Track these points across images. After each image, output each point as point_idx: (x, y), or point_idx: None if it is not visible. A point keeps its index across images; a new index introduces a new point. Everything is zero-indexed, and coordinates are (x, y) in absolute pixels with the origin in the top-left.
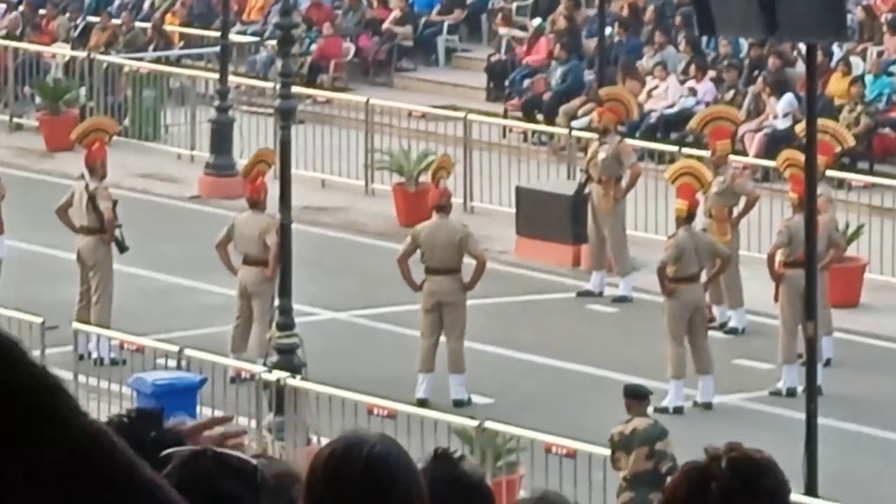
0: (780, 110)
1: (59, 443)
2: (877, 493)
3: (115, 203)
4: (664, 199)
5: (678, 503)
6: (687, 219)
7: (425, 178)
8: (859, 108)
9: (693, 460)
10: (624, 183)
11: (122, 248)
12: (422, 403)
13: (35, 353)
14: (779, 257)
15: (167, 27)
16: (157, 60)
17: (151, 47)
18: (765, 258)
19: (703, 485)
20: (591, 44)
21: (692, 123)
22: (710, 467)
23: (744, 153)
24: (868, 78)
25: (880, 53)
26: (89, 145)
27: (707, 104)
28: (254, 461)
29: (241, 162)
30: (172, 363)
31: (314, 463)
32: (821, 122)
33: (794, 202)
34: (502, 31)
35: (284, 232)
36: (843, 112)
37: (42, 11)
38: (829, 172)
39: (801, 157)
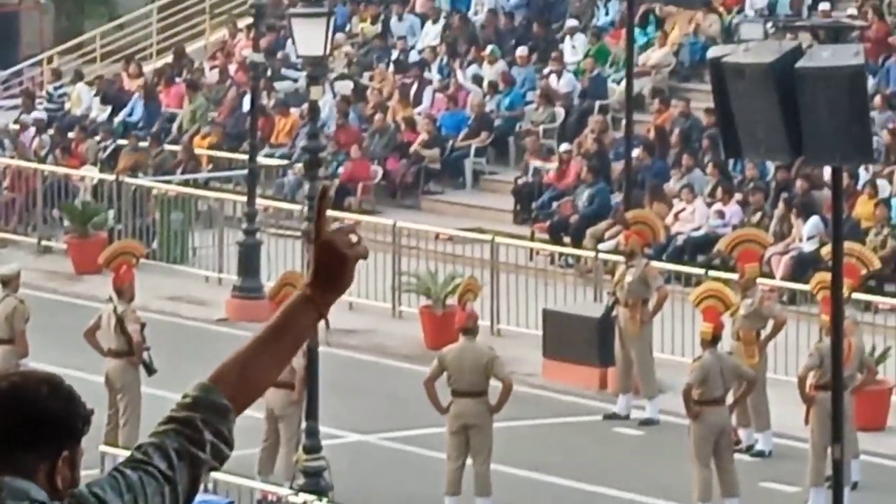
0: (807, 233)
1: None
2: None
3: (143, 326)
4: (692, 322)
5: None
6: (712, 341)
7: (452, 300)
8: (885, 230)
9: None
10: (651, 305)
11: (151, 371)
12: None
13: None
14: (810, 380)
15: (196, 150)
16: (186, 183)
17: (179, 170)
18: (791, 380)
19: None
20: (618, 166)
21: (721, 245)
22: None
23: (770, 276)
24: (895, 201)
25: None
26: (117, 268)
27: (734, 227)
28: None
29: (269, 284)
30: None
31: None
32: (846, 245)
33: (825, 325)
34: (534, 163)
35: (311, 355)
36: (870, 235)
37: (71, 134)
38: (856, 295)
39: None
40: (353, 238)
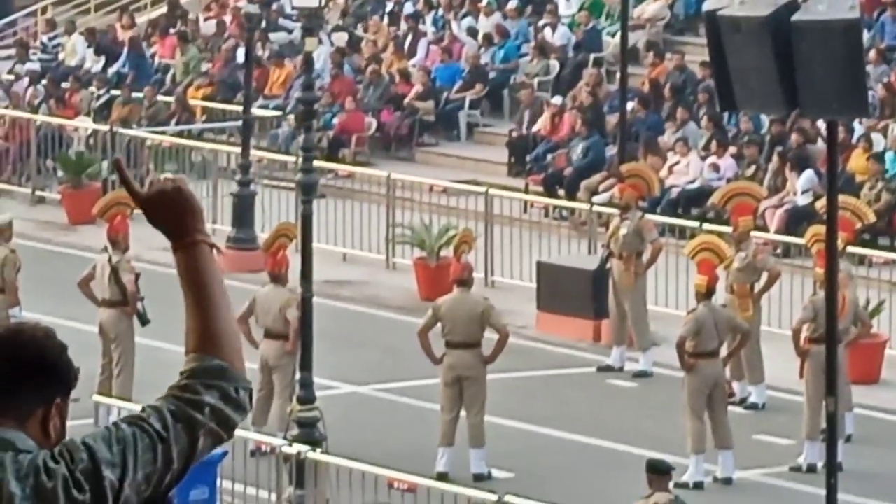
0: (801, 186)
1: None
2: None
3: (137, 276)
4: (686, 275)
5: None
6: (706, 294)
7: (446, 252)
8: (880, 184)
9: None
10: (645, 258)
11: (144, 321)
12: (442, 477)
13: None
14: (804, 333)
15: (190, 101)
16: (180, 134)
17: (173, 121)
18: (786, 334)
19: None
20: (612, 120)
21: (714, 199)
22: None
23: (765, 229)
24: (889, 154)
25: None
26: (111, 219)
27: (728, 180)
28: None
29: (263, 236)
30: None
31: None
32: (841, 198)
33: (820, 278)
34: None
35: (305, 306)
36: (864, 189)
37: (65, 85)
38: (850, 248)
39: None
40: (162, 181)
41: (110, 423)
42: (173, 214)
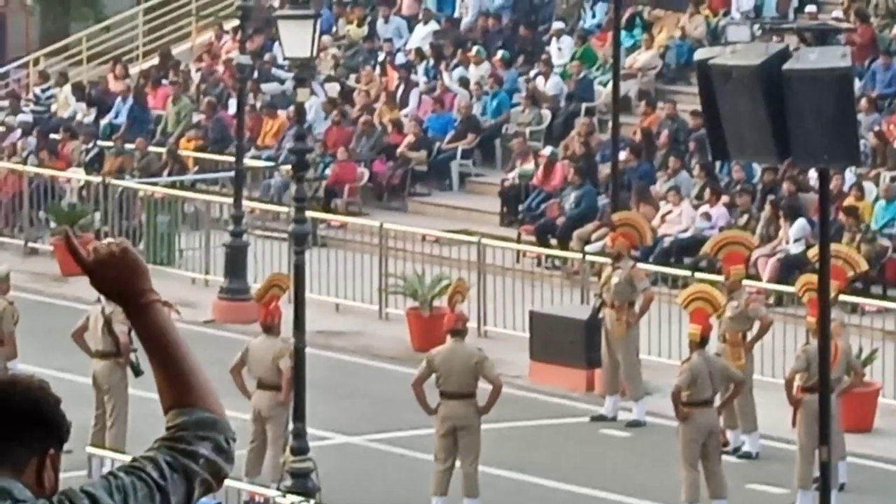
0: (793, 235)
1: None
2: None
3: (130, 327)
4: (678, 324)
5: None
6: (700, 343)
7: (439, 302)
8: (858, 236)
9: None
10: (637, 307)
11: (138, 373)
12: None
13: None
14: (797, 382)
15: (182, 152)
16: (172, 185)
17: (166, 172)
18: (778, 382)
19: None
20: (604, 168)
21: (706, 248)
22: None
23: (757, 278)
24: (881, 203)
25: (893, 178)
26: None
27: (721, 229)
28: None
29: (256, 286)
30: None
31: None
32: (834, 247)
33: (812, 327)
34: (523, 166)
35: (298, 356)
36: (844, 239)
37: (57, 136)
38: (843, 297)
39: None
40: (97, 247)
41: (106, 473)
42: (124, 278)
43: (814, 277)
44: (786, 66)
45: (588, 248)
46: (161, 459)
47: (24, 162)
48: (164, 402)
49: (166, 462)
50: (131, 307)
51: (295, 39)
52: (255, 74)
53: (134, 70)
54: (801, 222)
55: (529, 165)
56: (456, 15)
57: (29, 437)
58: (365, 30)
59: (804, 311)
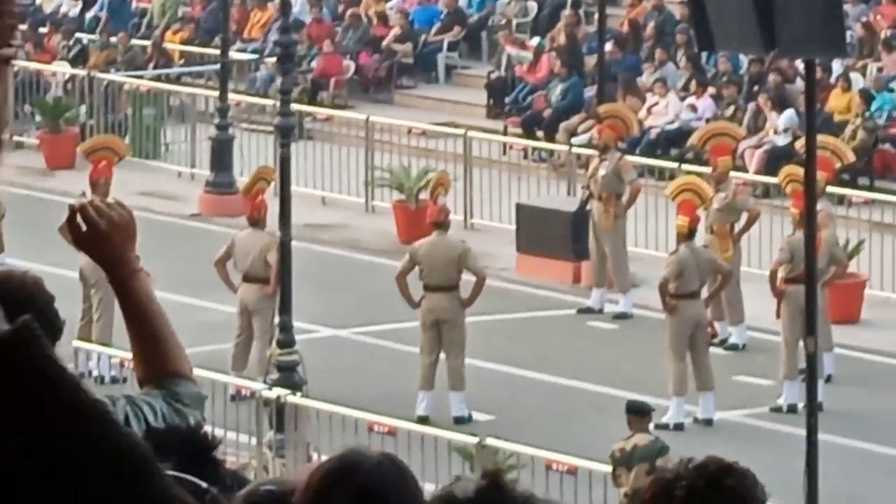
0: (781, 126)
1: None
2: None
3: None
4: (665, 216)
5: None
6: (688, 235)
7: (426, 195)
8: (858, 120)
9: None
10: (624, 199)
11: None
12: (422, 421)
13: None
14: (780, 274)
15: (167, 45)
16: (157, 79)
17: (151, 65)
18: (765, 274)
19: (670, 485)
20: (591, 61)
21: (693, 140)
22: (677, 470)
23: (744, 169)
24: (884, 95)
25: (880, 69)
26: (96, 162)
27: (707, 120)
28: (203, 484)
29: (242, 180)
30: None
31: (309, 480)
32: (821, 138)
33: (796, 218)
34: (509, 49)
35: (284, 249)
36: (847, 128)
37: (42, 30)
38: (830, 188)
39: (802, 173)
40: (94, 214)
41: (105, 396)
42: (123, 244)
43: (797, 169)
44: None
45: (574, 140)
46: (158, 407)
47: (14, 56)
48: (150, 369)
49: (162, 411)
50: (125, 273)
51: None
52: None
53: None
54: (788, 113)
55: (526, 53)
56: None
57: None
58: None
59: (791, 203)
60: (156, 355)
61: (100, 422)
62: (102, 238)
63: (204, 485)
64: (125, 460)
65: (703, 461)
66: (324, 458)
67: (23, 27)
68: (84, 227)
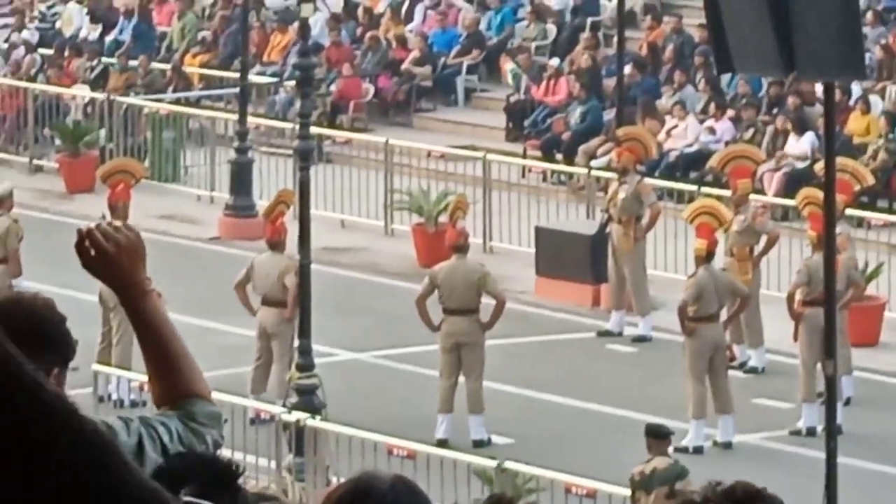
0: (801, 149)
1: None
2: None
3: None
4: (684, 239)
5: None
6: (706, 258)
7: (445, 218)
8: (881, 141)
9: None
10: (644, 222)
11: None
12: (441, 444)
13: None
14: (798, 296)
15: (186, 68)
16: (177, 102)
17: (171, 88)
18: (784, 297)
19: None
20: (610, 83)
21: (713, 162)
22: (705, 496)
23: (762, 192)
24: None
25: None
26: (114, 186)
27: (726, 143)
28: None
29: (261, 203)
30: None
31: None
32: (840, 160)
33: (814, 241)
34: (507, 66)
35: (303, 272)
36: (868, 150)
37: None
38: (849, 211)
39: (820, 196)
40: (100, 238)
41: (121, 416)
42: (133, 265)
43: (815, 191)
44: None
45: (593, 162)
46: (174, 427)
47: (33, 79)
48: (166, 390)
49: (178, 431)
50: (136, 295)
51: None
52: None
53: None
54: (808, 136)
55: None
56: None
57: (32, 356)
58: None
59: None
60: (171, 376)
61: (62, 414)
62: (111, 262)
63: None
64: (88, 447)
65: (731, 486)
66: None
67: (46, 51)
68: (92, 252)
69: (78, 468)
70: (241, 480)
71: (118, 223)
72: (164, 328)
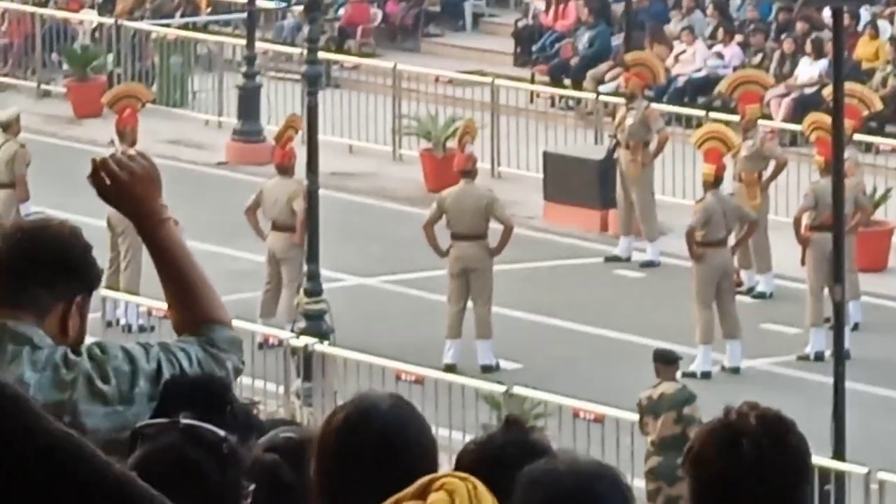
0: (817, 73)
1: (28, 448)
2: None
3: None
4: (692, 164)
5: (709, 458)
6: (714, 183)
7: (453, 143)
8: (889, 68)
9: (717, 418)
10: (652, 148)
11: None
12: (449, 369)
13: None
14: (805, 221)
15: None
16: (185, 27)
17: (178, 13)
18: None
19: (735, 440)
20: (618, 8)
21: (721, 87)
22: (738, 424)
23: (770, 117)
24: None
25: None
26: (121, 111)
27: (734, 68)
28: (221, 433)
29: (269, 128)
30: None
31: (326, 428)
32: (848, 86)
33: (821, 165)
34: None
35: (312, 198)
36: (877, 73)
37: None
38: (857, 136)
39: (828, 121)
40: (115, 168)
41: (142, 342)
42: (149, 194)
43: (822, 116)
44: None
45: (602, 88)
46: (193, 354)
47: (41, 4)
48: (185, 317)
49: (197, 357)
50: (152, 223)
51: None
52: None
53: None
54: (822, 61)
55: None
56: None
57: (56, 282)
58: None
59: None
60: (190, 303)
61: (19, 411)
62: (126, 190)
63: (221, 433)
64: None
65: (763, 414)
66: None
67: None
68: (108, 181)
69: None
70: (235, 395)
71: (132, 152)
72: (182, 256)
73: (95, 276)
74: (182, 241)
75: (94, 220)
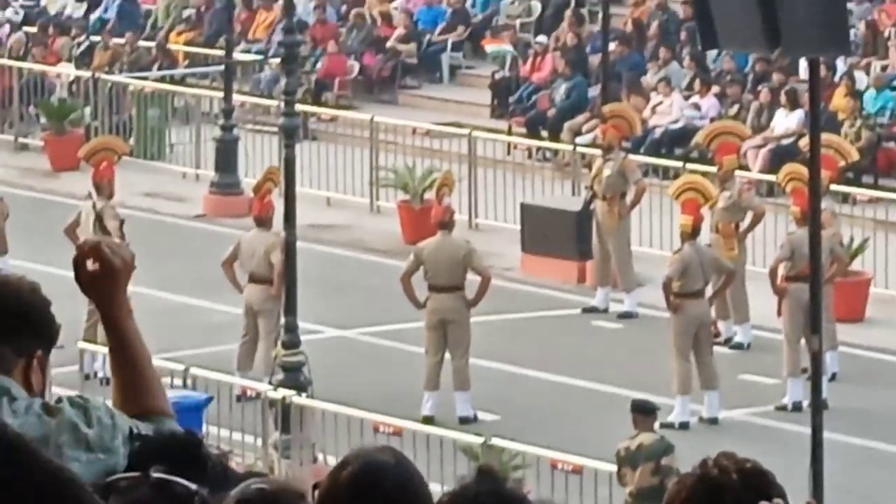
0: (793, 125)
1: (29, 487)
2: None
3: (122, 222)
4: (669, 215)
5: None
6: (692, 234)
7: (430, 195)
8: (859, 122)
9: (696, 471)
10: (629, 199)
11: None
12: (428, 421)
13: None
14: (781, 271)
15: (171, 46)
16: (162, 79)
17: (156, 66)
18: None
19: (717, 496)
20: (595, 60)
21: (699, 138)
22: (720, 479)
23: (747, 168)
24: (870, 92)
25: (884, 68)
26: (97, 164)
27: (711, 119)
28: (193, 486)
29: (247, 180)
30: (178, 382)
31: (334, 484)
32: (824, 136)
33: (797, 216)
34: (488, 47)
35: (289, 250)
36: (844, 126)
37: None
38: (834, 187)
39: (804, 171)
40: (108, 253)
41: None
42: (124, 284)
43: (798, 166)
44: None
45: (579, 139)
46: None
47: (21, 58)
48: (132, 404)
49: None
50: (122, 313)
51: None
52: None
53: None
54: (799, 113)
55: (507, 48)
56: None
57: (17, 338)
58: None
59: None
60: (140, 391)
61: None
62: (111, 277)
63: (193, 486)
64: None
65: (743, 466)
66: (329, 458)
67: (30, 29)
68: (96, 266)
69: None
70: (207, 449)
71: (115, 241)
72: (141, 347)
73: (55, 332)
74: (139, 333)
75: (71, 273)
